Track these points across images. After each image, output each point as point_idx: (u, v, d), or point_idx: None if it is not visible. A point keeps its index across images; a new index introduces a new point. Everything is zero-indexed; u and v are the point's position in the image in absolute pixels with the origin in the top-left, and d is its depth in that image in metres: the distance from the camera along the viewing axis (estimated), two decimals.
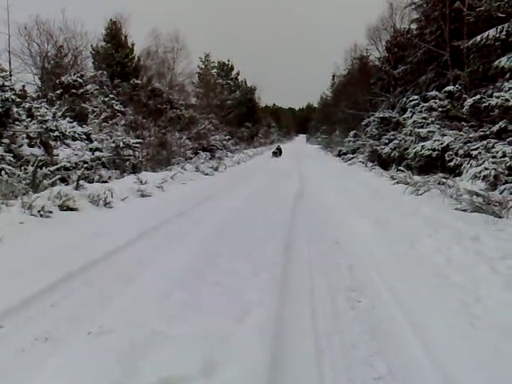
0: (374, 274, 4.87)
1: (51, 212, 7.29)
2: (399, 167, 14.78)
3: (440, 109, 15.78)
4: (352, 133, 28.56)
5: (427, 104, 16.49)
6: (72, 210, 7.87)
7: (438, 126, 14.73)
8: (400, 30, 26.90)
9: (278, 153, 32.76)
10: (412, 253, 5.60)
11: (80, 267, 4.78)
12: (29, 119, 12.05)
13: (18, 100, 10.99)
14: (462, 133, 13.61)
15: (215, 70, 48.76)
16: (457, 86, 16.90)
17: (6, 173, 8.49)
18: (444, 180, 10.63)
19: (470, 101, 13.61)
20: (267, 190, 12.67)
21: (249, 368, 2.74)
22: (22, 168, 9.16)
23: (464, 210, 7.89)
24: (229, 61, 51.02)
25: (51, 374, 2.73)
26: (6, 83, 10.60)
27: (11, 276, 4.39)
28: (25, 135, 11.12)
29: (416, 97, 18.53)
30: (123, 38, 29.59)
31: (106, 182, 11.18)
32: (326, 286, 4.48)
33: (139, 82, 26.17)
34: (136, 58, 30.17)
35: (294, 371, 2.87)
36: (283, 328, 3.46)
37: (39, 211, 7.04)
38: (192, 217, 8.20)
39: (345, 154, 27.38)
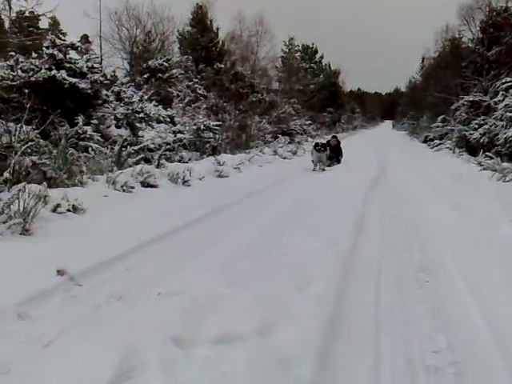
0: (447, 256, 4.73)
1: (133, 187, 7.70)
2: (488, 153, 13.98)
3: None
4: (440, 118, 27.26)
5: None
6: (152, 186, 8.28)
7: None
8: (496, 8, 25.17)
9: (323, 154, 13.19)
10: (491, 238, 5.33)
11: (155, 237, 5.07)
12: (117, 102, 12.72)
13: (106, 81, 11.60)
14: None
15: (299, 53, 48.49)
16: None
17: (93, 150, 9.06)
18: None
19: None
20: (345, 172, 12.47)
21: (305, 331, 2.78)
22: (109, 147, 9.72)
23: None
24: (313, 44, 50.65)
25: (121, 327, 2.91)
26: (95, 65, 11.23)
27: (92, 243, 4.74)
28: (113, 117, 11.76)
29: (509, 79, 17.32)
30: (208, 23, 30.16)
31: (186, 162, 11.58)
32: (394, 265, 4.45)
33: (222, 66, 26.58)
34: (220, 43, 30.70)
35: (351, 337, 2.91)
36: (344, 299, 3.50)
37: (122, 186, 7.46)
38: (265, 197, 8.36)
39: (431, 139, 26.28)
